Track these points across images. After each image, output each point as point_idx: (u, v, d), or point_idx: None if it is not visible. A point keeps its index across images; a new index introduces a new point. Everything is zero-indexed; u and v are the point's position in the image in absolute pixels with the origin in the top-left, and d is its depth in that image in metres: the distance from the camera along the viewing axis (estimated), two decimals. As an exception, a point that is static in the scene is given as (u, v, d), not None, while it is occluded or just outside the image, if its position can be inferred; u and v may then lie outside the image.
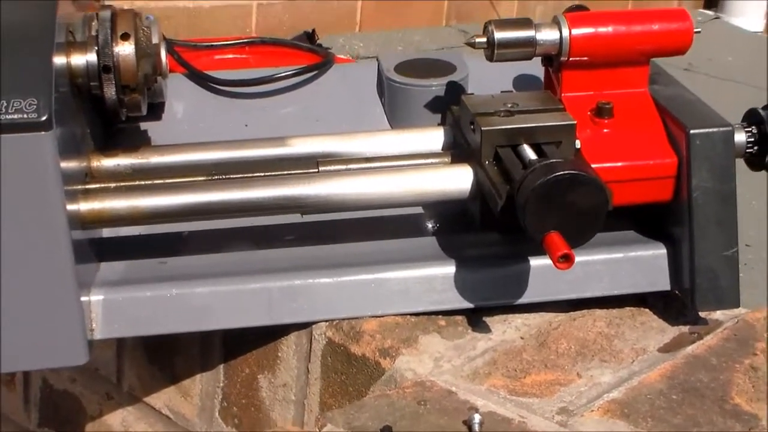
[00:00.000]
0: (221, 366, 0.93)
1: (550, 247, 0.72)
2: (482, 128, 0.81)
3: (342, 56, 2.32)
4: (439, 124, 0.95)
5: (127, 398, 1.03)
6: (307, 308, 0.83)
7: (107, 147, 0.90)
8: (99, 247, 0.87)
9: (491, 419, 0.70)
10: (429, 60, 1.00)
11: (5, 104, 0.69)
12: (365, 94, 1.00)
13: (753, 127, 0.87)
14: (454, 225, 0.91)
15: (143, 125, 0.95)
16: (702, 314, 0.87)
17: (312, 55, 1.07)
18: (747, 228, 1.54)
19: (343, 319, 0.83)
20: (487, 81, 0.97)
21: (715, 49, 2.41)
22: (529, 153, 0.80)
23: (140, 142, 0.94)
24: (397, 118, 0.98)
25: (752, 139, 0.87)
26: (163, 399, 0.99)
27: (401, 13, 2.82)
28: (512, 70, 0.98)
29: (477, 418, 0.68)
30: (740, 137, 0.86)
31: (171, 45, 0.98)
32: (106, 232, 0.89)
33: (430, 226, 0.92)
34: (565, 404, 0.73)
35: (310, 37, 1.19)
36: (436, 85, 0.96)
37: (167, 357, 0.98)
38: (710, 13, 2.73)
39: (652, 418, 0.71)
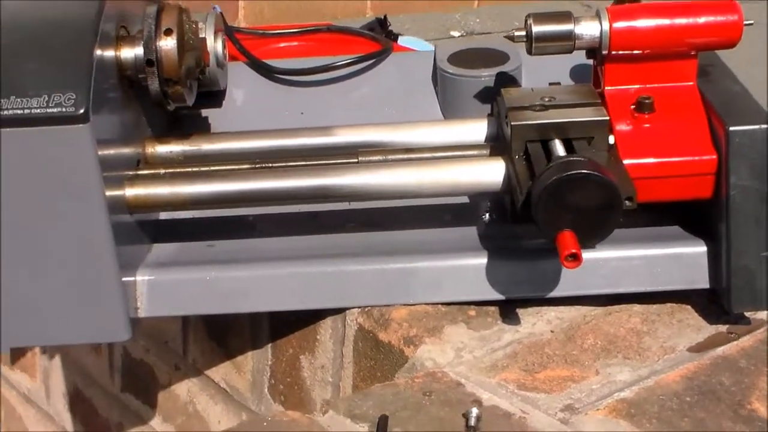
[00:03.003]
0: (269, 345, 0.97)
1: (560, 246, 0.72)
2: (511, 123, 0.81)
3: (456, 33, 2.32)
4: (489, 115, 0.95)
5: (192, 370, 1.09)
6: (339, 295, 0.85)
7: (166, 134, 0.94)
8: (153, 229, 0.91)
9: (492, 413, 0.71)
10: (484, 50, 1.01)
11: (47, 98, 0.75)
12: (421, 84, 1.02)
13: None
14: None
15: (204, 112, 1.00)
16: (747, 314, 0.85)
17: (377, 44, 1.08)
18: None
19: (375, 307, 0.86)
20: (544, 71, 0.96)
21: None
22: (559, 149, 0.80)
23: (201, 128, 0.99)
24: (449, 109, 0.99)
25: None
26: (221, 373, 1.04)
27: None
28: (570, 60, 0.97)
29: (474, 411, 0.69)
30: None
31: (233, 33, 1.01)
32: (164, 215, 0.94)
33: (486, 216, 0.93)
34: (572, 401, 0.74)
35: (381, 23, 1.21)
36: (486, 76, 0.96)
37: (224, 334, 1.02)
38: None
39: (658, 420, 0.71)
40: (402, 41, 1.50)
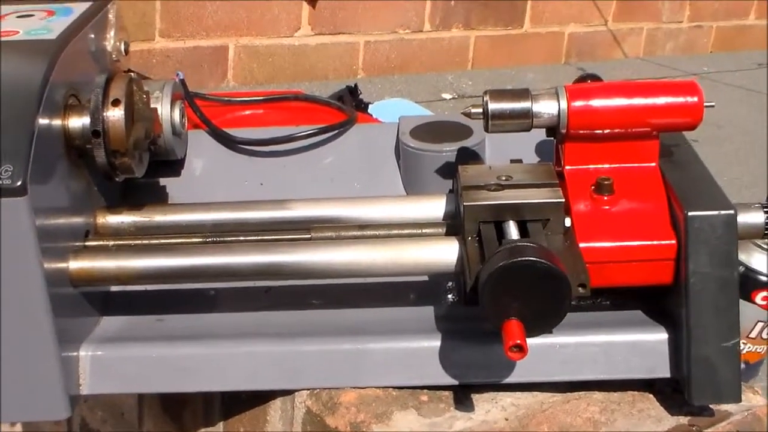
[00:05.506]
0: (221, 423, 0.94)
1: (505, 335, 0.70)
2: (464, 203, 0.79)
3: (448, 95, 2.32)
4: (450, 191, 0.93)
5: (147, 444, 1.06)
6: (287, 376, 0.82)
7: (120, 203, 0.92)
8: (103, 301, 0.89)
9: None
10: (448, 123, 0.99)
11: (-16, 170, 0.73)
12: (383, 156, 1.00)
13: (773, 207, 0.82)
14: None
15: (162, 181, 0.98)
16: (712, 405, 0.83)
17: (343, 114, 1.07)
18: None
19: (324, 389, 0.83)
20: (508, 146, 0.95)
21: None
22: (512, 231, 0.78)
23: (158, 198, 0.97)
24: (410, 183, 0.97)
25: (772, 220, 0.82)
26: (174, 448, 1.01)
27: (517, 50, 2.80)
28: (535, 135, 0.95)
29: None
30: (758, 218, 0.82)
31: (193, 101, 1.00)
32: (116, 287, 0.92)
33: (448, 297, 0.90)
34: (518, 498, 0.70)
35: (352, 91, 1.20)
36: (448, 151, 0.95)
37: (178, 409, 1.00)
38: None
39: None
40: (385, 103, 1.49)
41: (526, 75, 2.35)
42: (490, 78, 2.26)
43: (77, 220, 0.85)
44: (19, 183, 0.72)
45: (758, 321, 1.25)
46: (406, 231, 0.86)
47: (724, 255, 0.78)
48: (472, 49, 2.42)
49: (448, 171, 0.95)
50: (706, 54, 3.32)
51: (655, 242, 0.80)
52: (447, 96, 2.13)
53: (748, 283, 1.22)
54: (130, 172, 0.84)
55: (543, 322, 0.72)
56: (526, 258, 0.70)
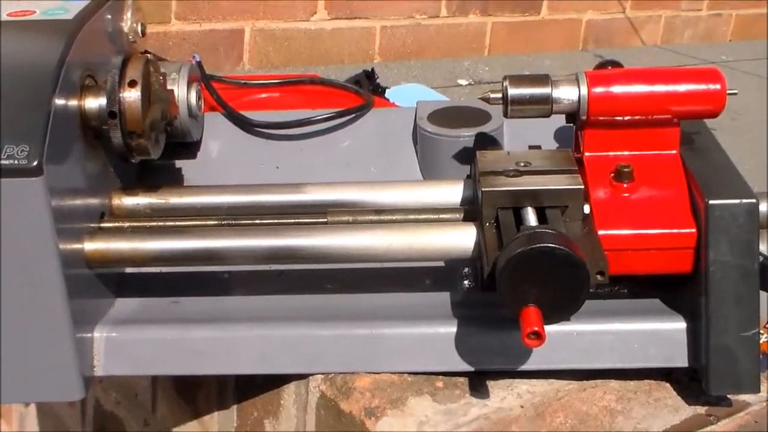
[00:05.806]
0: (235, 406, 0.94)
1: (523, 322, 0.69)
2: (482, 189, 0.79)
3: (464, 81, 2.30)
4: (468, 176, 0.92)
5: (161, 427, 1.06)
6: (301, 360, 0.82)
7: (136, 185, 0.92)
8: (118, 283, 0.89)
9: (445, 497, 0.67)
10: (466, 108, 0.98)
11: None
12: (400, 141, 0.99)
13: (794, 196, 0.81)
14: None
15: (178, 163, 0.97)
16: (730, 395, 0.82)
17: (360, 98, 1.06)
18: None
19: (339, 374, 0.82)
20: (526, 132, 0.94)
21: None
22: (530, 218, 0.77)
23: (173, 180, 0.96)
24: (427, 168, 0.96)
25: (791, 210, 0.81)
26: (187, 431, 1.01)
27: (534, 36, 2.78)
28: (554, 121, 0.94)
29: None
30: (775, 207, 0.81)
31: (210, 83, 0.99)
32: (130, 268, 0.91)
33: (465, 282, 0.90)
34: (533, 487, 0.70)
35: (369, 75, 1.19)
36: (466, 136, 0.94)
37: (192, 391, 1.00)
38: None
39: None
40: (401, 88, 1.48)
41: (543, 62, 2.33)
42: (506, 64, 2.24)
43: (93, 201, 0.84)
44: (35, 163, 0.72)
45: (775, 311, 1.23)
46: (423, 216, 0.85)
47: (745, 244, 0.77)
48: (488, 36, 2.40)
49: (465, 156, 0.94)
50: (725, 42, 3.29)
51: (675, 230, 0.79)
52: (463, 82, 2.12)
53: (766, 273, 1.20)
54: (146, 153, 0.83)
55: (561, 309, 0.71)
56: (545, 244, 0.69)
